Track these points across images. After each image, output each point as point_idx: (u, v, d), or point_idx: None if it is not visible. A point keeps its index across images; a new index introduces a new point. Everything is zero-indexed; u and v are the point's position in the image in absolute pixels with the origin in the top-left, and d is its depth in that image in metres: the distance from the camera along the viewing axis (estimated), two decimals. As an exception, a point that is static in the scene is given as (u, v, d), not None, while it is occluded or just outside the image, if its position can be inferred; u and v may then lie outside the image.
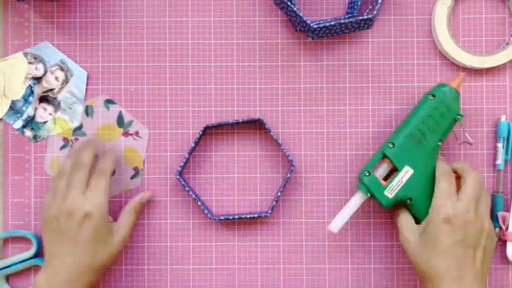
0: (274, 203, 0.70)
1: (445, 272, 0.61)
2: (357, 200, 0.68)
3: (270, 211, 0.70)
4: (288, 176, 0.69)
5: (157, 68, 0.73)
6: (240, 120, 0.69)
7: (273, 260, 0.72)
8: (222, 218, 0.70)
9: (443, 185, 0.64)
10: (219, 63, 0.73)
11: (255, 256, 0.72)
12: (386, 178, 0.68)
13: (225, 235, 0.73)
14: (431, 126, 0.67)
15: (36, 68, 0.73)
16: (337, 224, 0.66)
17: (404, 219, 0.66)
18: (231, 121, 0.69)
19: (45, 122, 0.73)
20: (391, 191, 0.67)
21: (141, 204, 0.70)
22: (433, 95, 0.67)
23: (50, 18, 0.73)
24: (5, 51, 0.73)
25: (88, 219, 0.63)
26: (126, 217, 0.68)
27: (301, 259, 0.72)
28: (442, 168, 0.66)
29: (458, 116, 0.67)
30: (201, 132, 0.70)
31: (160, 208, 0.72)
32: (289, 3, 0.66)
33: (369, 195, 0.67)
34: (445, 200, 0.63)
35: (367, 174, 0.67)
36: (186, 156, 0.70)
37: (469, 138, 0.71)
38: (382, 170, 0.68)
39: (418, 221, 0.70)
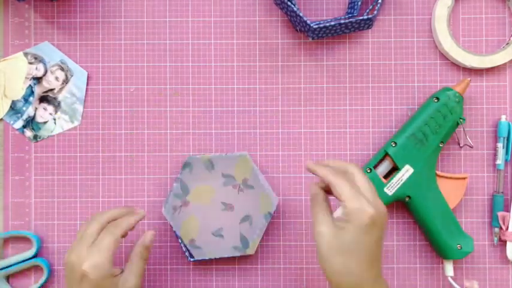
0: (258, 241, 0.70)
1: (363, 273, 0.56)
2: None
3: (253, 250, 0.70)
4: (271, 214, 0.70)
5: (157, 68, 0.73)
6: (224, 155, 0.70)
7: (273, 260, 0.72)
8: (201, 258, 0.70)
9: (346, 187, 0.56)
10: (219, 63, 0.73)
11: (255, 256, 0.72)
12: (387, 176, 0.70)
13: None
14: (434, 128, 0.68)
15: (36, 68, 0.73)
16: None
17: (321, 212, 0.57)
18: (217, 154, 0.70)
19: (45, 122, 0.73)
20: (390, 189, 0.68)
21: (145, 248, 0.63)
22: (437, 98, 0.68)
23: (50, 18, 0.73)
24: (5, 51, 0.73)
25: (86, 279, 0.58)
26: (132, 266, 0.62)
27: (301, 259, 0.72)
28: (328, 174, 0.58)
29: (461, 120, 0.68)
30: (183, 169, 0.70)
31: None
32: (289, 3, 0.66)
33: (369, 191, 0.69)
34: (359, 201, 0.55)
35: (369, 171, 0.69)
36: (173, 188, 0.70)
37: (470, 141, 0.71)
38: (383, 168, 0.69)
39: (417, 218, 0.70)
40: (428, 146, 0.68)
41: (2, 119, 0.73)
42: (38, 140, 0.73)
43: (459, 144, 0.72)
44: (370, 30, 0.73)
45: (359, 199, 0.55)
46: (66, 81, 0.73)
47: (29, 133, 0.73)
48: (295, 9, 0.66)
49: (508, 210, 0.71)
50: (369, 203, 0.55)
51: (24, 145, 0.73)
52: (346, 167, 0.59)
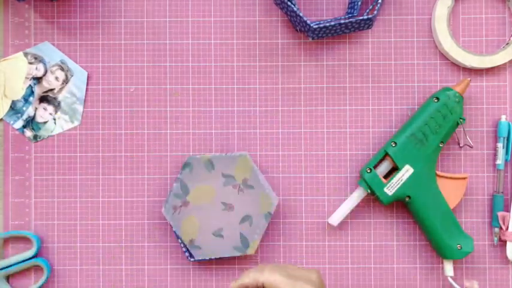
0: (258, 241, 0.70)
1: None
2: (357, 195, 0.70)
3: (253, 250, 0.70)
4: (271, 214, 0.70)
5: (157, 68, 0.73)
6: (224, 155, 0.70)
7: (273, 260, 0.72)
8: (201, 259, 0.70)
9: (279, 276, 0.56)
10: (219, 63, 0.73)
11: (255, 256, 0.72)
12: (387, 176, 0.70)
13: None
14: (434, 128, 0.68)
15: (36, 68, 0.73)
16: (337, 217, 0.69)
17: None
18: (217, 154, 0.70)
19: (45, 122, 0.73)
20: (391, 189, 0.68)
21: None
22: (437, 98, 0.68)
23: (50, 18, 0.73)
24: (5, 51, 0.73)
25: None
26: None
27: (301, 259, 0.72)
28: None
29: (461, 120, 0.68)
30: (183, 169, 0.70)
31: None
32: (289, 3, 0.66)
33: (369, 191, 0.69)
34: (296, 280, 0.56)
35: (369, 171, 0.69)
36: (173, 189, 0.70)
37: (470, 141, 0.71)
38: (383, 168, 0.69)
39: (417, 218, 0.70)
40: (428, 146, 0.68)
41: (2, 119, 0.73)
42: (38, 140, 0.73)
43: (459, 144, 0.72)
44: (370, 30, 0.73)
45: (293, 278, 0.55)
46: (66, 81, 0.73)
47: (29, 133, 0.73)
48: (295, 9, 0.67)
49: (508, 210, 0.72)
50: (306, 273, 0.56)
51: (24, 145, 0.73)
52: (261, 273, 0.57)
